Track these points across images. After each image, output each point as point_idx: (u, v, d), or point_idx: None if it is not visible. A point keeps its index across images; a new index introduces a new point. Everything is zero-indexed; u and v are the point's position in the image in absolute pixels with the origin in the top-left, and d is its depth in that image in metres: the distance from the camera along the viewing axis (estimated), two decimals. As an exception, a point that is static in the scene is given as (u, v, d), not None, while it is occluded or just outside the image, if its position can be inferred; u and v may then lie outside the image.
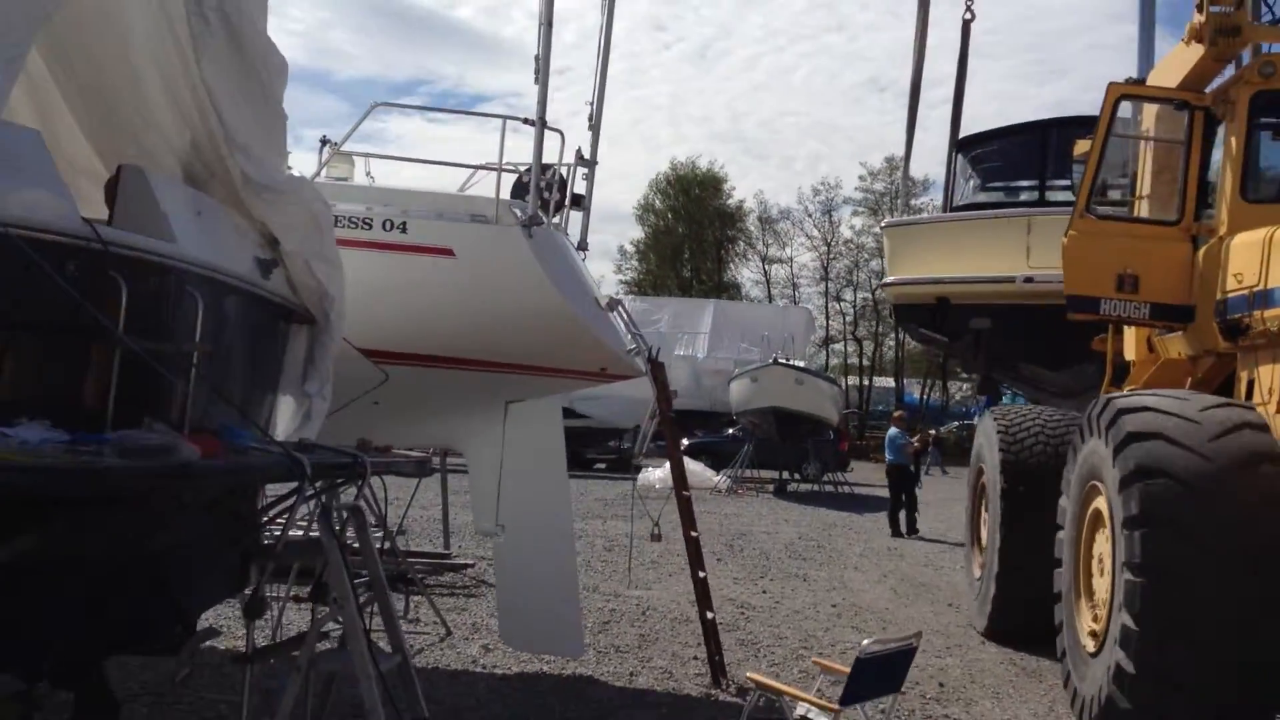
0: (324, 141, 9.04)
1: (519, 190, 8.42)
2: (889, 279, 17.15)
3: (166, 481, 4.10)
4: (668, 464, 10.46)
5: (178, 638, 5.34)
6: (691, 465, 29.96)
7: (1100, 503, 8.21)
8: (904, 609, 12.99)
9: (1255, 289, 8.17)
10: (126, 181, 5.09)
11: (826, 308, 63.77)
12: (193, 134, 5.91)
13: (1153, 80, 10.35)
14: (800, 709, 6.04)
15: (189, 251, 4.97)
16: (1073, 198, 10.57)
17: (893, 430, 23.39)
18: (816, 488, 30.75)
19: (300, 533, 5.93)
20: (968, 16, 17.49)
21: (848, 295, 64.37)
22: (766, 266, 66.44)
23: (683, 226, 68.05)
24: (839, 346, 65.68)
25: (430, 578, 12.55)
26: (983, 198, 16.81)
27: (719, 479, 29.56)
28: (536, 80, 7.98)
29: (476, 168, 8.68)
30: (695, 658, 9.75)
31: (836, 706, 5.81)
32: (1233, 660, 6.75)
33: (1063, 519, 9.15)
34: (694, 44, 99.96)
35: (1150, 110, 10.22)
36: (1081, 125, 11.70)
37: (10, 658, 4.43)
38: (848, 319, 64.51)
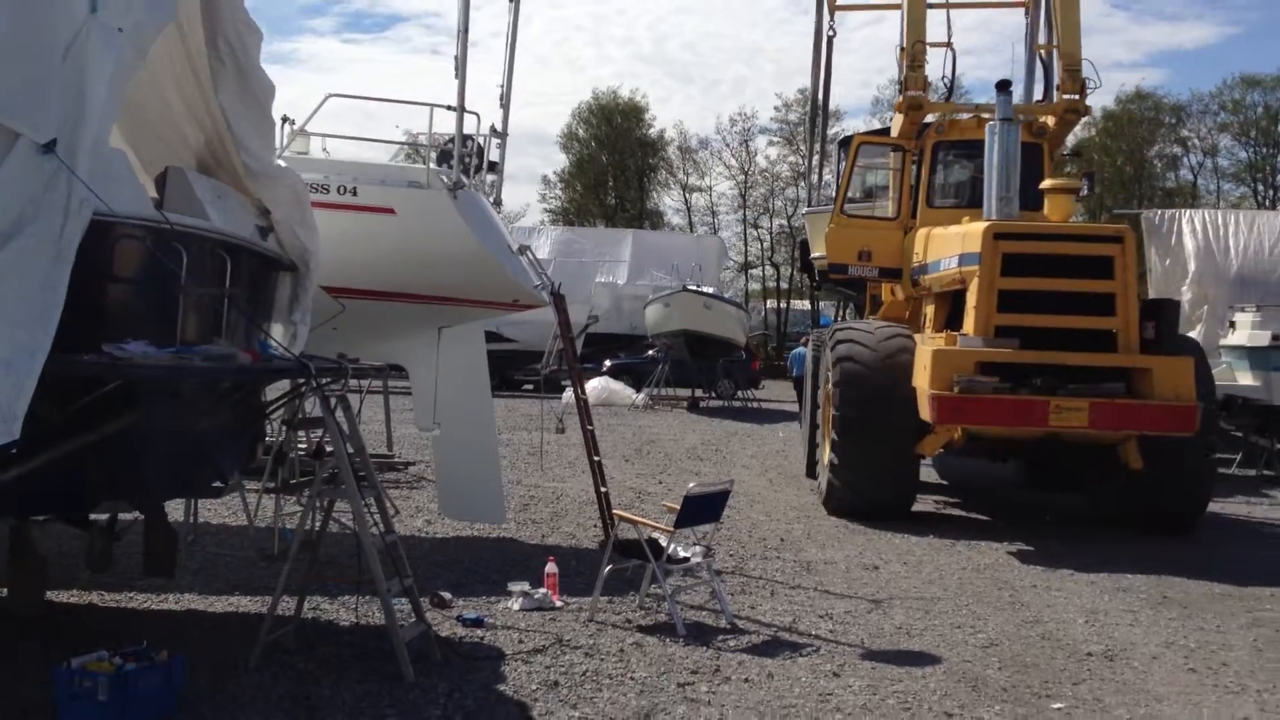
0: (285, 120, 11.22)
1: (444, 157, 10.74)
2: (816, 254, 21.07)
3: (239, 377, 6.52)
4: (586, 381, 12.96)
5: (216, 489, 7.77)
6: (612, 384, 32.63)
7: (829, 384, 13.91)
8: (774, 493, 15.68)
9: (923, 262, 14.47)
10: (172, 178, 7.40)
11: (745, 235, 66.11)
12: (206, 137, 8.20)
13: (893, 131, 16.54)
14: (651, 534, 8.57)
15: (218, 225, 7.29)
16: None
17: (799, 349, 26.51)
18: (727, 404, 33.43)
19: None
20: (830, 34, 21.13)
21: (764, 222, 66.80)
22: (687, 195, 68.48)
23: (606, 155, 69.34)
24: (757, 272, 68.27)
25: (378, 474, 14.94)
26: None
27: (638, 397, 32.02)
28: (456, 75, 10.26)
29: (409, 145, 11.00)
30: (595, 525, 12.32)
31: (672, 529, 8.37)
32: (885, 459, 12.97)
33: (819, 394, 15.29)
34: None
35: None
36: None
37: (122, 492, 6.83)
38: (765, 245, 67.02)
